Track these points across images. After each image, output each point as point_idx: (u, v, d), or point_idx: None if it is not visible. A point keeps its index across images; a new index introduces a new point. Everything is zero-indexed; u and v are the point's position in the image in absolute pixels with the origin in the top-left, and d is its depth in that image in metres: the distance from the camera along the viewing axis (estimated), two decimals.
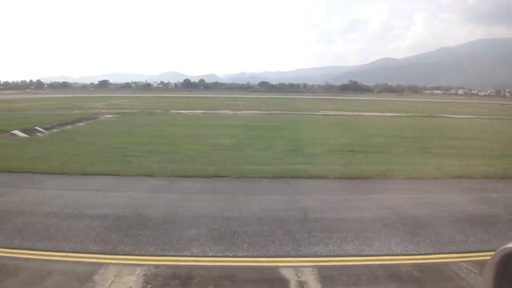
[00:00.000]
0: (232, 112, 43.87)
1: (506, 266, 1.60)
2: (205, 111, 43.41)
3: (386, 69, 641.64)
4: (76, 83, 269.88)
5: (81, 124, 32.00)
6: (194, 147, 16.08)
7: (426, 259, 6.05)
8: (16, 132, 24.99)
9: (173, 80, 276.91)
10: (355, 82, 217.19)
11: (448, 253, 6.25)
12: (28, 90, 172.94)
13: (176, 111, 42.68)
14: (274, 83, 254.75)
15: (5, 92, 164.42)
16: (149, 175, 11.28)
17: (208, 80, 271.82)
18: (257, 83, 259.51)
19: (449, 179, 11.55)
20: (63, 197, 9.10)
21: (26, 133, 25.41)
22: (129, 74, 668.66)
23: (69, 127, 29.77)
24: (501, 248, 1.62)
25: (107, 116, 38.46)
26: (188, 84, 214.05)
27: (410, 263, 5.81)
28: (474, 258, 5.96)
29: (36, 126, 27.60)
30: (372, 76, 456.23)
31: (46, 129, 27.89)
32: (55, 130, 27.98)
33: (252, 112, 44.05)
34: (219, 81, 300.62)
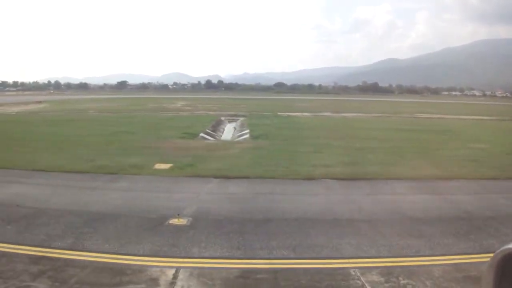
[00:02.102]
0: (336, 114, 43.11)
1: (506, 266, 1.57)
2: (312, 114, 42.67)
3: (391, 70, 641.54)
4: (89, 83, 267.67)
5: (231, 125, 31.39)
6: None
7: None
8: (203, 135, 24.10)
9: (176, 81, 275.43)
10: (376, 83, 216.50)
11: None
12: (52, 91, 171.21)
13: (284, 114, 41.76)
14: (276, 84, 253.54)
15: (26, 93, 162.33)
16: None
17: (212, 81, 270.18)
18: (260, 84, 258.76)
19: None
20: None
21: (211, 136, 24.61)
22: (132, 75, 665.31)
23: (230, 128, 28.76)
24: (501, 248, 1.59)
25: (222, 118, 37.68)
26: (209, 85, 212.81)
27: None
28: None
29: (205, 128, 26.73)
30: (377, 76, 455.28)
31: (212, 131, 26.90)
32: (219, 133, 27.25)
33: (358, 114, 43.18)
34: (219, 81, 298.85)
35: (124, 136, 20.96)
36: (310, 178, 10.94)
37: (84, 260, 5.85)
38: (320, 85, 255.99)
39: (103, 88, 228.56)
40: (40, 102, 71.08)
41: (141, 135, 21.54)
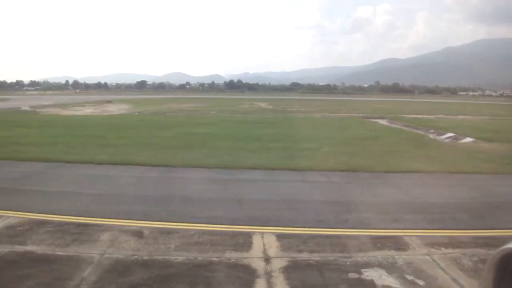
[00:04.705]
0: (452, 117, 44.01)
1: (505, 266, 1.59)
2: (424, 116, 43.69)
3: (392, 69, 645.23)
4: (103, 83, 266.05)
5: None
6: None
7: None
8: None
9: (177, 81, 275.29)
10: (396, 83, 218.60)
11: None
12: (78, 91, 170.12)
13: (404, 115, 42.60)
14: (292, 84, 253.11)
15: (48, 92, 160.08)
16: None
17: (213, 81, 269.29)
18: (260, 84, 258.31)
19: None
20: None
21: None
22: (133, 75, 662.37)
23: None
24: (501, 248, 1.60)
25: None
26: (231, 85, 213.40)
27: None
28: None
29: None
30: (377, 76, 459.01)
31: None
32: None
33: (469, 117, 43.93)
34: (239, 81, 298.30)
35: (380, 140, 20.43)
36: None
37: None
38: (335, 85, 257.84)
39: (120, 87, 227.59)
40: (109, 101, 70.75)
41: (388, 139, 21.02)
